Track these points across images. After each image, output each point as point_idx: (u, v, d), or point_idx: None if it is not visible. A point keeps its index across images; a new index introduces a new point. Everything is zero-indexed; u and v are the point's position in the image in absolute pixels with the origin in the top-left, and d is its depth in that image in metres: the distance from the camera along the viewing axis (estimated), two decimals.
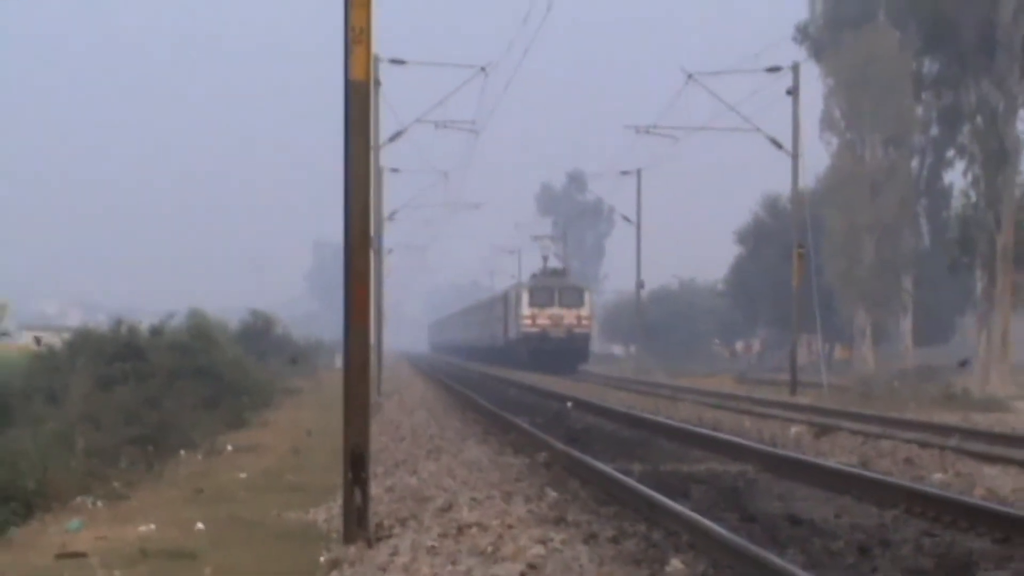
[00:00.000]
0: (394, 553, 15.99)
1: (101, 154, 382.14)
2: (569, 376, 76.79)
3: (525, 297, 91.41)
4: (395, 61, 57.06)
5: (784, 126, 61.88)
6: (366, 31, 17.75)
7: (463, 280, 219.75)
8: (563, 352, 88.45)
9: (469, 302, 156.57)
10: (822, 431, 33.70)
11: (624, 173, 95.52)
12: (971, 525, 16.32)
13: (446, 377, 74.35)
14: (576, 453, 24.85)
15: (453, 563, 14.73)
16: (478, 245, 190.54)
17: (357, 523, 17.64)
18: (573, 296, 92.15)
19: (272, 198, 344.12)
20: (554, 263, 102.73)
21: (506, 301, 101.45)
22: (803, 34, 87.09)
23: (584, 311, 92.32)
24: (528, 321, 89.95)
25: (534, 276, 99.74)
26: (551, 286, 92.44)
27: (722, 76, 69.17)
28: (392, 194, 68.70)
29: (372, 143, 19.31)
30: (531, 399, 48.97)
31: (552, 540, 15.67)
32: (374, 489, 18.67)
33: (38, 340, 44.93)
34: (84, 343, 47.92)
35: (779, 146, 62.00)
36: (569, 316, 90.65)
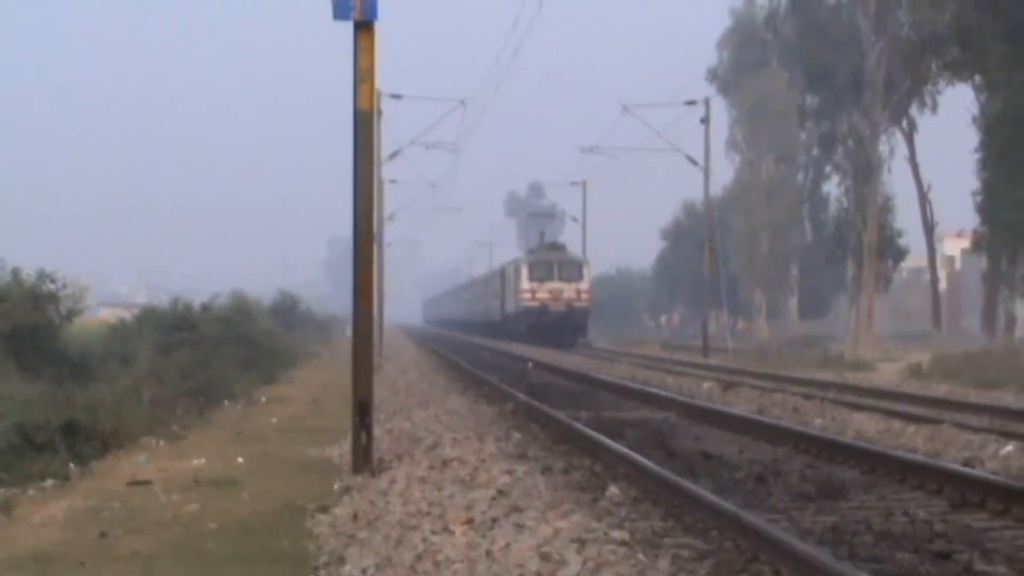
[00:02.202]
0: (392, 481, 15.99)
1: (159, 166, 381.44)
2: (555, 347, 65.80)
3: (525, 271, 75.79)
4: (394, 96, 56.85)
5: (698, 146, 61.97)
6: (370, 72, 17.76)
7: (447, 267, 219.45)
8: (563, 326, 73.54)
9: (459, 281, 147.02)
10: (728, 386, 33.67)
11: (573, 183, 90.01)
12: (844, 459, 16.33)
13: (434, 344, 74.26)
14: (535, 403, 24.79)
15: (439, 489, 14.70)
16: (459, 240, 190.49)
17: (363, 458, 17.67)
18: (572, 270, 75.87)
19: (297, 201, 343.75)
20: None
21: (503, 276, 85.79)
22: (713, 75, 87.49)
23: (584, 285, 75.85)
24: (528, 295, 74.75)
25: (531, 251, 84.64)
26: (551, 260, 76.51)
27: (650, 107, 69.70)
28: (390, 199, 68.41)
29: (375, 160, 19.25)
30: (500, 361, 48.88)
31: (516, 471, 15.64)
32: (376, 431, 18.64)
33: None
34: (149, 317, 47.78)
35: (694, 163, 62.03)
36: (569, 290, 74.70)
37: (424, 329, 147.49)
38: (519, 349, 59.46)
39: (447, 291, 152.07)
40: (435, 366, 47.38)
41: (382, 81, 17.58)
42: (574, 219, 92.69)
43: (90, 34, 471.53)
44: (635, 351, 63.31)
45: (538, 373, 38.40)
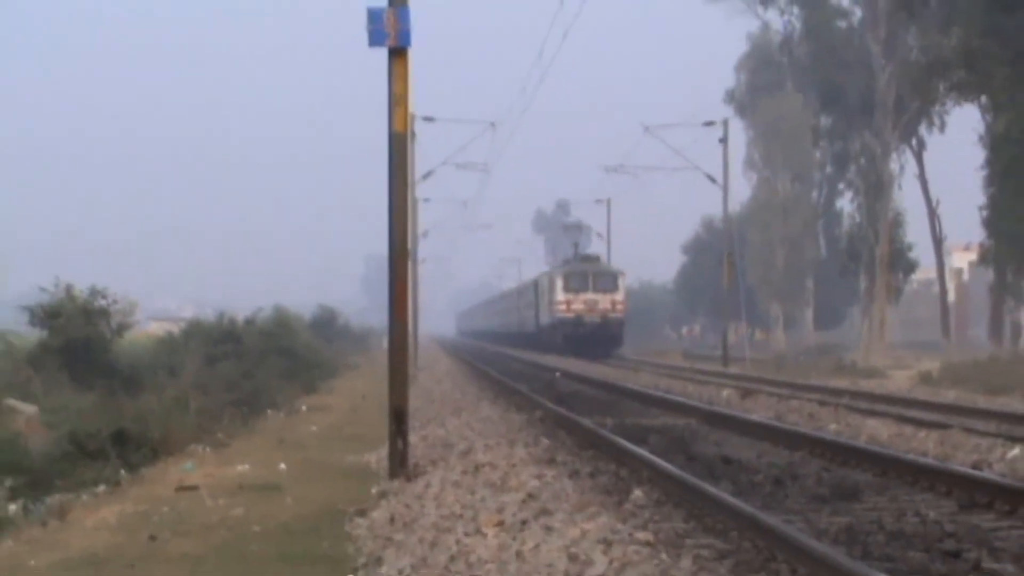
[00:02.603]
0: (427, 486, 16.00)
1: (206, 188, 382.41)
2: (594, 360, 61.24)
3: (560, 283, 71.54)
4: (427, 119, 56.80)
5: (717, 165, 61.96)
6: (404, 97, 17.78)
7: (478, 282, 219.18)
8: (598, 337, 69.10)
9: (491, 294, 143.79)
10: (747, 393, 33.59)
11: (598, 201, 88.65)
12: (858, 463, 16.29)
13: (467, 355, 74.19)
14: (563, 411, 24.77)
15: (472, 493, 14.71)
16: (489, 255, 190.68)
17: (399, 463, 17.68)
18: (607, 281, 71.60)
19: (335, 220, 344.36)
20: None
21: (537, 288, 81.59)
22: (731, 97, 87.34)
23: (619, 296, 71.54)
24: (563, 306, 70.46)
25: (567, 262, 79.77)
26: (585, 271, 71.98)
27: (671, 128, 69.75)
28: (424, 217, 68.49)
29: (409, 180, 19.27)
30: (530, 371, 48.84)
31: (545, 475, 15.64)
32: (412, 438, 18.64)
33: None
34: (195, 331, 47.95)
35: (713, 180, 61.94)
36: (604, 301, 70.29)
37: (457, 341, 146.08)
38: (550, 360, 59.28)
39: (480, 303, 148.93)
40: (467, 376, 47.37)
41: (415, 104, 17.67)
42: (599, 235, 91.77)
43: (139, 67, 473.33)
44: (658, 361, 63.11)
45: (565, 382, 38.36)
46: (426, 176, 62.20)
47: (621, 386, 36.02)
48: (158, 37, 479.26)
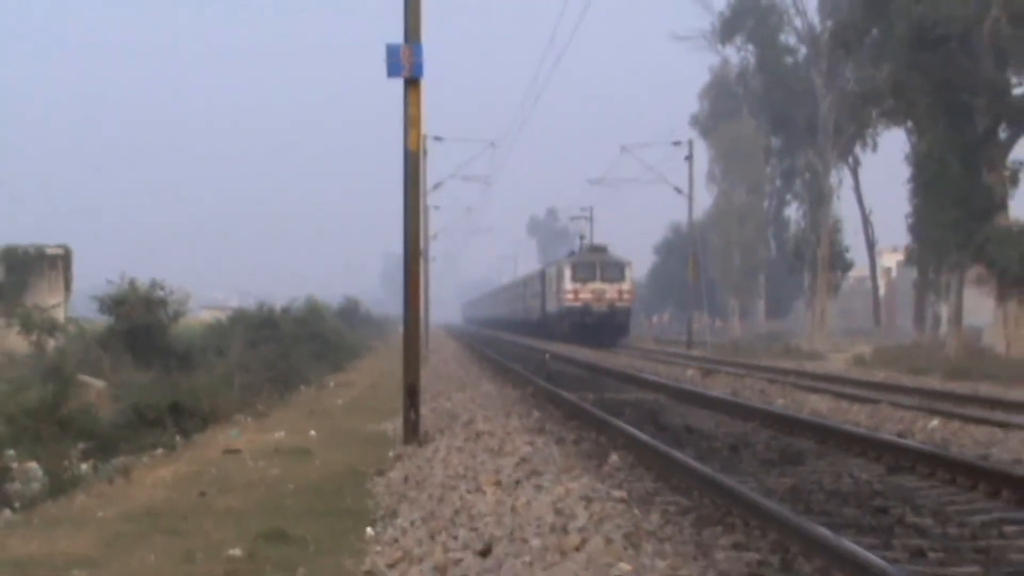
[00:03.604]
0: (436, 450, 15.99)
1: (250, 192, 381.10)
2: (598, 347, 56.15)
3: (568, 272, 63.50)
4: (437, 138, 56.70)
5: (683, 179, 62.05)
6: (417, 119, 17.79)
7: (480, 277, 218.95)
8: (605, 326, 61.53)
9: (493, 286, 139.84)
10: (707, 373, 33.65)
11: (583, 209, 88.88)
12: (801, 432, 16.32)
13: (471, 341, 74.13)
14: (552, 387, 24.79)
15: (473, 457, 14.70)
16: (490, 254, 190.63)
17: (412, 431, 17.69)
18: (614, 270, 63.42)
19: (358, 222, 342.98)
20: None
21: (543, 278, 74.02)
22: (695, 121, 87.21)
23: (626, 285, 63.63)
24: (571, 295, 62.33)
25: (573, 253, 71.61)
26: (593, 261, 64.13)
27: (644, 147, 69.67)
28: (434, 222, 68.15)
29: (421, 191, 19.27)
30: (524, 353, 48.86)
31: (536, 442, 15.63)
32: (423, 410, 18.64)
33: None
34: (240, 318, 47.93)
35: (680, 192, 62.07)
36: (611, 290, 62.31)
37: (463, 328, 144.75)
38: (551, 347, 59.16)
39: (486, 293, 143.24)
40: (471, 359, 47.40)
41: (427, 125, 17.59)
42: (582, 237, 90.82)
43: (180, 74, 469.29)
44: (632, 345, 63.09)
45: (555, 363, 38.39)
46: (436, 187, 62.31)
47: (601, 366, 36.08)
48: (207, 38, 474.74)
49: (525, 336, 75.12)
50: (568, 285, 62.86)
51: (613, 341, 60.36)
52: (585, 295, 62.34)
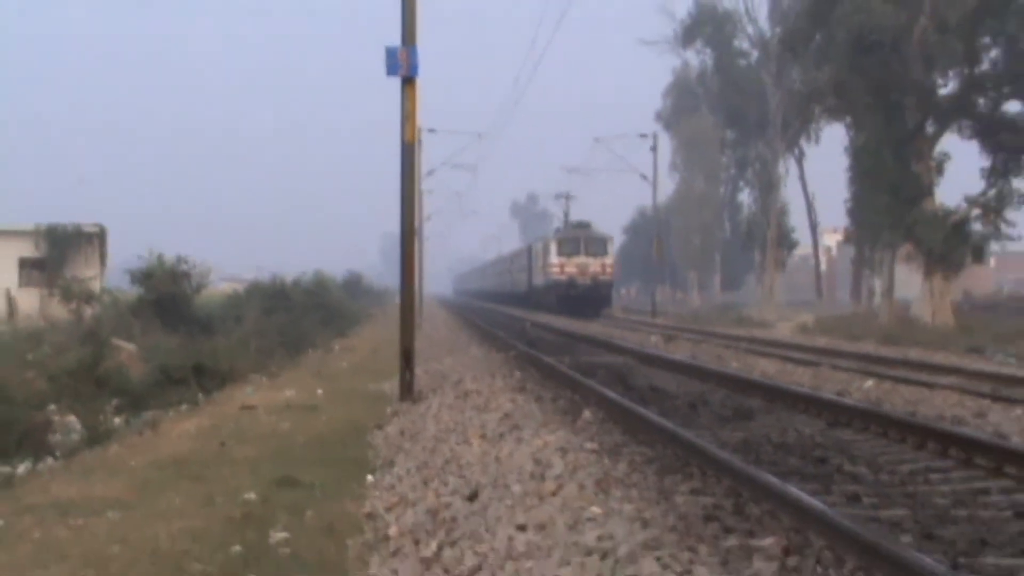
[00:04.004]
0: (428, 407, 16.02)
1: (263, 178, 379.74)
2: (581, 318, 53.45)
3: (553, 247, 60.01)
4: (430, 130, 56.52)
5: (649, 167, 61.98)
6: (412, 114, 17.75)
7: (468, 253, 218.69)
8: (588, 298, 57.94)
9: (483, 261, 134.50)
10: (669, 339, 33.69)
11: (558, 195, 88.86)
12: (752, 392, 16.33)
13: (460, 310, 74.11)
14: (532, 352, 24.79)
15: (461, 413, 14.73)
16: (476, 233, 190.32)
17: (407, 390, 17.73)
18: (598, 245, 59.77)
19: (360, 203, 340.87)
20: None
21: (530, 253, 70.03)
22: (659, 116, 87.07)
23: (608, 259, 59.88)
24: (556, 269, 58.84)
25: (558, 229, 67.51)
26: (577, 237, 60.41)
27: (615, 139, 69.79)
28: (427, 205, 67.81)
29: (416, 178, 19.22)
30: (509, 322, 48.85)
31: (517, 400, 15.66)
32: (417, 371, 18.64)
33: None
34: (255, 290, 47.98)
35: (646, 179, 62.03)
36: (594, 264, 58.69)
37: (454, 299, 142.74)
38: (527, 315, 59.12)
39: (475, 268, 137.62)
40: (460, 326, 47.41)
41: (421, 119, 17.52)
42: (566, 214, 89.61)
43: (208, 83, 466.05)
44: (604, 315, 63.16)
45: (535, 331, 38.38)
46: (429, 174, 62.25)
47: (576, 333, 36.07)
48: (224, 35, 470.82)
49: (512, 307, 73.25)
50: (554, 259, 59.62)
51: (596, 312, 57.44)
52: (570, 269, 59.05)
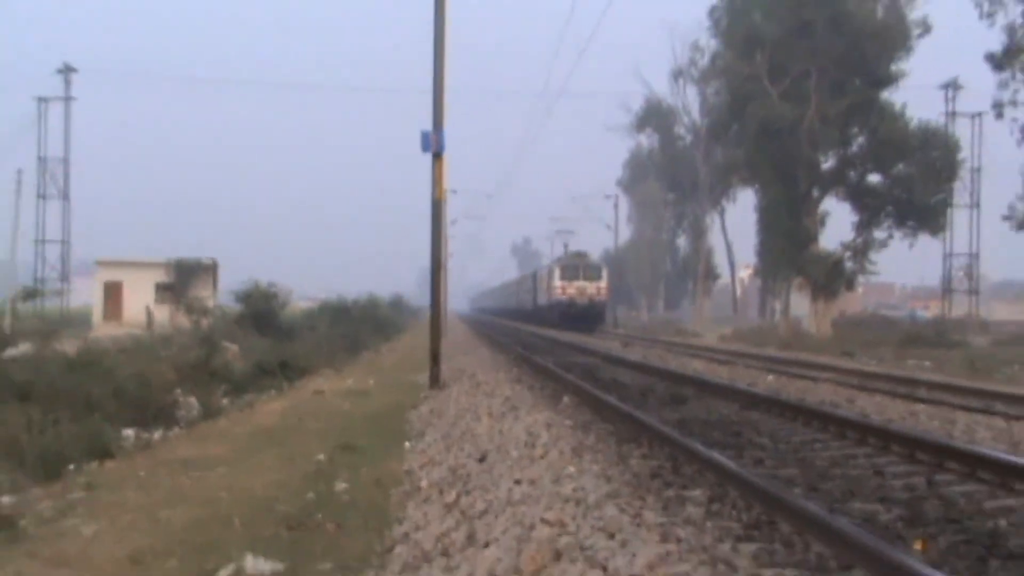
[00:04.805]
0: (450, 394, 15.97)
1: (331, 212, 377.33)
2: (579, 332, 48.86)
3: (557, 272, 54.87)
4: (452, 191, 56.17)
5: (612, 220, 62.04)
6: (441, 179, 17.84)
7: (478, 281, 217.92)
8: (586, 315, 53.03)
9: (493, 285, 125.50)
10: (626, 344, 33.67)
11: (559, 231, 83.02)
12: (686, 384, 16.32)
13: (475, 324, 73.93)
14: (526, 353, 24.77)
15: (474, 398, 14.70)
16: (485, 267, 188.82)
17: (435, 381, 17.67)
18: (594, 271, 54.67)
19: (403, 244, 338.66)
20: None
21: (535, 278, 64.76)
22: (620, 182, 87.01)
23: (602, 283, 54.59)
24: (559, 291, 53.80)
25: (560, 258, 59.99)
26: (577, 264, 55.23)
27: (587, 198, 69.73)
28: (450, 245, 67.47)
29: (443, 226, 19.26)
30: (513, 333, 48.75)
31: (516, 388, 15.64)
32: (442, 367, 18.64)
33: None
34: (325, 307, 47.70)
35: (609, 227, 62.31)
36: (591, 288, 53.70)
37: (471, 315, 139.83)
38: (517, 325, 58.97)
39: (489, 289, 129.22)
40: (475, 335, 47.32)
41: (447, 182, 17.59)
42: (566, 245, 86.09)
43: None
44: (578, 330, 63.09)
45: (528, 338, 38.27)
46: (452, 223, 62.13)
47: (559, 340, 36.01)
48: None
49: (518, 322, 69.73)
50: (557, 282, 54.47)
51: (592, 328, 52.28)
52: (570, 291, 53.86)
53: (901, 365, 24.94)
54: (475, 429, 11.29)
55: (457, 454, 9.85)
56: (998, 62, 34.27)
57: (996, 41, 33.89)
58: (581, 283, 54.10)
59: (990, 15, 33.96)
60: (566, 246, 70.97)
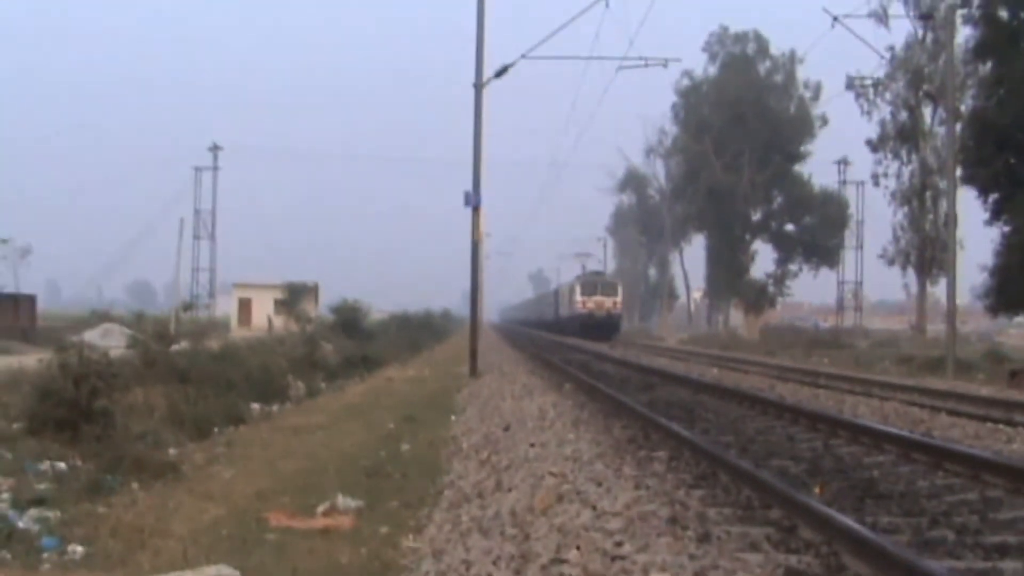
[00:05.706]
0: (484, 381, 15.95)
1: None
2: (596, 341, 41.39)
3: (578, 288, 47.07)
4: (487, 234, 55.47)
5: (603, 257, 61.58)
6: (478, 226, 17.91)
7: (505, 298, 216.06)
8: (603, 326, 44.92)
9: (519, 301, 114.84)
10: (612, 346, 33.48)
11: (578, 254, 69.56)
12: (654, 375, 16.21)
13: (504, 332, 73.51)
14: (542, 353, 24.66)
15: (501, 384, 14.68)
16: (510, 288, 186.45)
17: (473, 372, 17.63)
18: (610, 288, 46.91)
19: (450, 274, 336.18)
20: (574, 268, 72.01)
21: (557, 294, 57.07)
22: (608, 230, 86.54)
23: (618, 299, 46.90)
24: (580, 305, 46.04)
25: (579, 276, 51.21)
26: (595, 281, 47.59)
27: (584, 242, 69.07)
28: (484, 272, 67.18)
29: (480, 260, 19.32)
30: (534, 338, 48.52)
31: (531, 377, 15.60)
32: (479, 361, 18.62)
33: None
34: (394, 318, 46.95)
35: (601, 262, 61.75)
36: (608, 302, 45.78)
37: (501, 325, 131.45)
38: (532, 331, 58.55)
39: (515, 304, 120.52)
40: (502, 339, 47.02)
41: (484, 226, 17.83)
42: (583, 266, 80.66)
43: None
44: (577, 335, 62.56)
45: (543, 342, 38.03)
46: (487, 257, 61.87)
47: (563, 343, 35.84)
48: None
49: (541, 331, 63.36)
50: (578, 297, 47.43)
51: (608, 337, 45.08)
52: (590, 305, 46.41)
53: (808, 361, 24.73)
54: (501, 407, 11.31)
55: (488, 424, 9.87)
56: (874, 146, 34.94)
57: (873, 131, 34.52)
58: (599, 298, 47.15)
59: (868, 113, 34.88)
60: (583, 267, 66.56)
